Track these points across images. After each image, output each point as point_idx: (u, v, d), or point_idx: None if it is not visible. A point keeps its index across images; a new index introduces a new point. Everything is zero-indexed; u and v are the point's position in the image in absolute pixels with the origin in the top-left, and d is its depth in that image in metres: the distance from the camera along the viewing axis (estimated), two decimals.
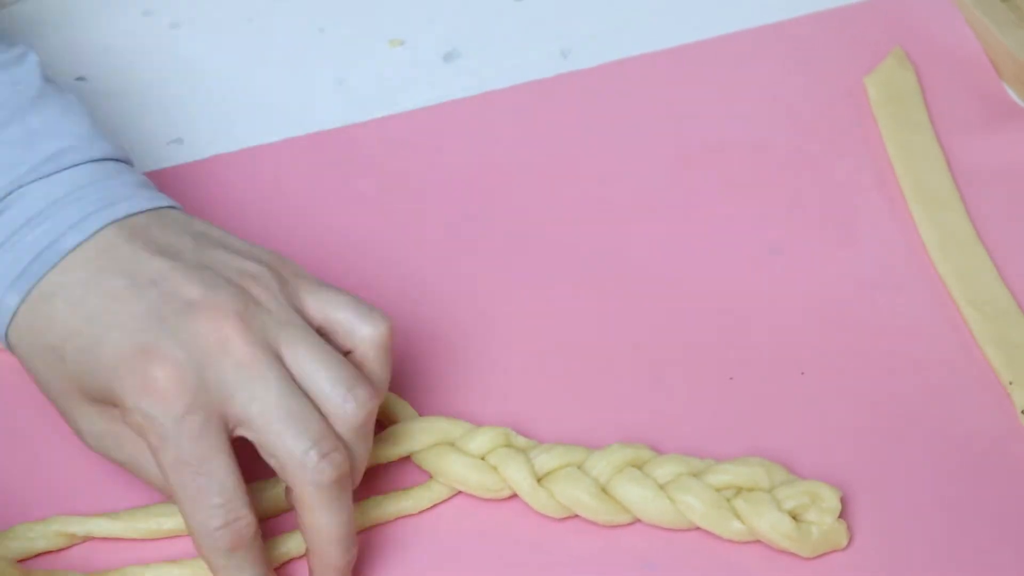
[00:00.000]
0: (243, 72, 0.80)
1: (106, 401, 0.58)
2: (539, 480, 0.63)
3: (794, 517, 0.62)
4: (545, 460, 0.64)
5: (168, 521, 0.62)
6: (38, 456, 0.65)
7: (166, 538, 0.63)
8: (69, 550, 0.62)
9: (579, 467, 0.64)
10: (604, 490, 0.63)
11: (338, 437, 0.58)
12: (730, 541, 0.63)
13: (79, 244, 0.59)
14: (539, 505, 0.63)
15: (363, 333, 0.60)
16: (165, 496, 0.59)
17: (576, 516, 0.64)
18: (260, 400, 0.57)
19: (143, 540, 0.63)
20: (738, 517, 0.62)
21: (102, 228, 0.60)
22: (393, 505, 0.63)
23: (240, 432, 0.57)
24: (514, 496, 0.64)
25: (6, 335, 0.60)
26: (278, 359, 0.58)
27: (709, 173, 0.77)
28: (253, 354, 0.57)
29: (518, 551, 0.63)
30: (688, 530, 0.63)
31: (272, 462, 0.58)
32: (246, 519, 0.57)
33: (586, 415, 0.67)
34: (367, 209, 0.75)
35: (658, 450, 0.65)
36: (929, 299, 0.72)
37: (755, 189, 0.76)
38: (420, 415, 0.66)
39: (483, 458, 0.64)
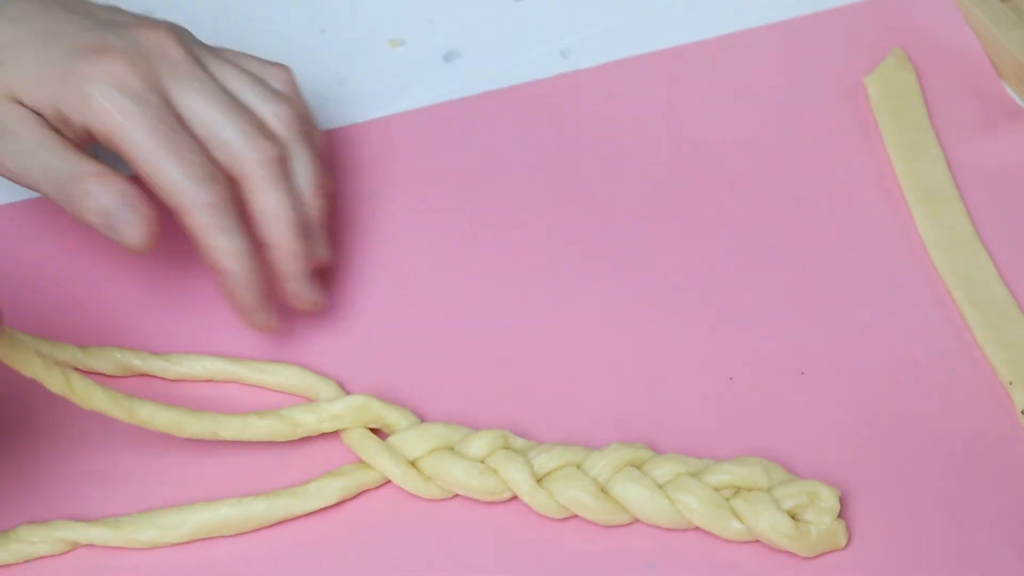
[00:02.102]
0: None
1: (42, 103, 0.63)
2: (538, 481, 0.63)
3: (793, 517, 0.62)
4: (544, 461, 0.64)
5: (170, 532, 0.62)
6: (40, 454, 0.65)
7: (167, 546, 0.63)
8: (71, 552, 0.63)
9: (578, 467, 0.64)
10: (603, 490, 0.63)
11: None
12: (729, 541, 0.63)
13: None
14: (539, 506, 0.63)
15: (249, 156, 0.65)
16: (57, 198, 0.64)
17: (575, 517, 0.64)
18: (199, 92, 0.65)
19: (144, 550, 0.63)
20: (737, 517, 0.62)
21: None
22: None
23: None
24: (513, 498, 0.64)
25: None
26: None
27: (709, 173, 0.77)
28: (188, 58, 0.65)
29: (518, 553, 0.63)
30: (687, 530, 0.63)
31: (218, 155, 0.64)
32: (223, 180, 0.63)
33: (585, 415, 0.67)
34: (366, 209, 0.75)
35: (657, 450, 0.65)
36: (929, 299, 0.72)
37: (755, 189, 0.76)
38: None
39: (482, 461, 0.64)
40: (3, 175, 0.65)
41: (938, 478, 0.65)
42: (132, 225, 0.63)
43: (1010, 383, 0.68)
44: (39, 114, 0.64)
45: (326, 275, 0.71)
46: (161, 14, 0.84)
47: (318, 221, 0.68)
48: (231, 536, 0.63)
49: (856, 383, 0.69)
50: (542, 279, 0.72)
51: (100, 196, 0.63)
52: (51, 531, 0.62)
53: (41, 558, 0.62)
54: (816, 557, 0.63)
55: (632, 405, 0.68)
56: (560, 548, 0.63)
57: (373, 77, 0.81)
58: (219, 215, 0.63)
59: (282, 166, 0.65)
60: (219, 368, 0.67)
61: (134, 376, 0.68)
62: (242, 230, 0.64)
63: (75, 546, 0.62)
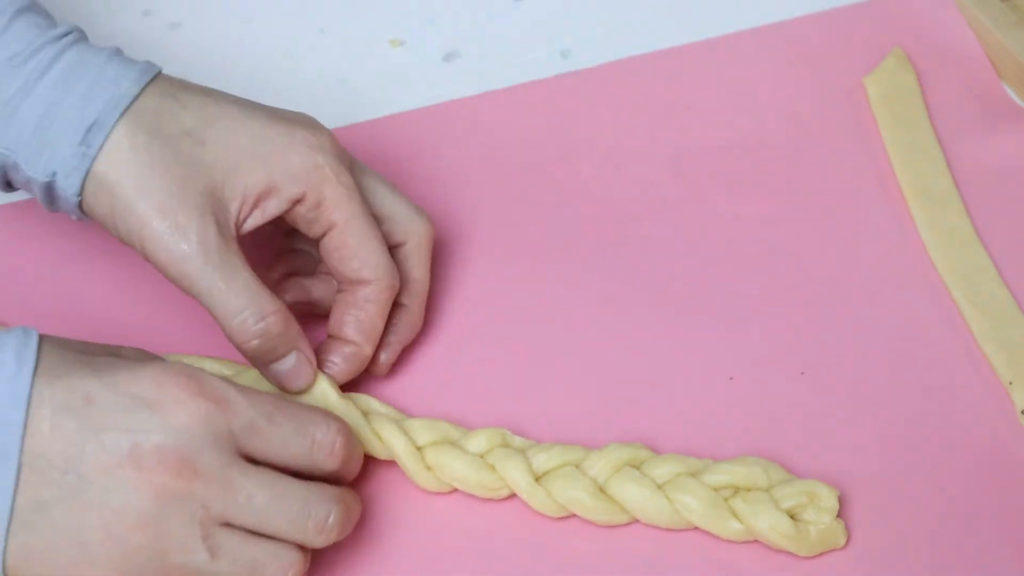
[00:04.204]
0: (243, 72, 0.80)
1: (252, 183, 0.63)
2: (537, 479, 0.63)
3: (792, 516, 0.62)
4: (543, 459, 0.64)
5: None
6: None
7: None
8: None
9: (577, 466, 0.64)
10: (602, 490, 0.63)
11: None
12: (728, 541, 0.63)
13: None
14: (537, 504, 0.63)
15: (417, 227, 0.67)
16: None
17: (574, 516, 0.64)
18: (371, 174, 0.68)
19: None
20: (736, 517, 0.62)
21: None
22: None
23: None
24: (511, 497, 0.64)
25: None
26: None
27: (709, 173, 0.77)
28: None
29: (516, 552, 0.63)
30: (686, 530, 0.63)
31: (357, 265, 0.66)
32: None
33: (584, 415, 0.67)
34: None
35: (657, 450, 0.65)
36: (929, 299, 0.72)
37: (755, 189, 0.76)
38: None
39: (482, 457, 0.64)
40: (160, 270, 0.63)
41: (937, 478, 0.65)
42: (300, 373, 0.64)
43: (1010, 383, 0.68)
44: (225, 203, 0.63)
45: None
46: (163, 16, 0.84)
47: None
48: None
49: (856, 383, 0.69)
50: (541, 279, 0.72)
51: (284, 338, 0.63)
52: None
53: None
54: (815, 557, 0.63)
55: (632, 405, 0.68)
56: (559, 548, 0.63)
57: (373, 77, 0.81)
58: (391, 300, 0.66)
59: (431, 246, 0.69)
60: (217, 370, 0.67)
61: None
62: None
63: None
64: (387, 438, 0.64)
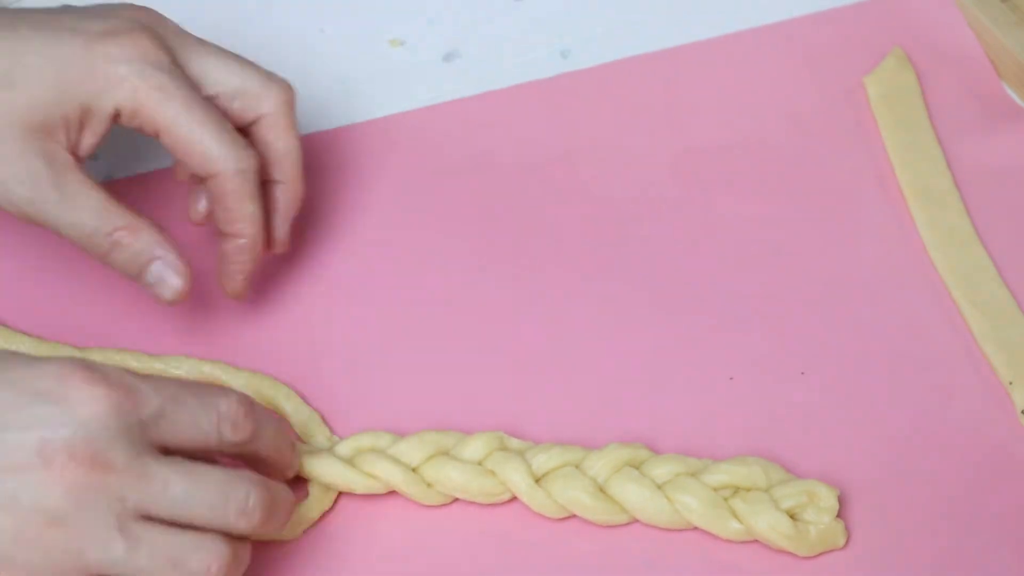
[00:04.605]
0: None
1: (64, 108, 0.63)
2: (537, 481, 0.63)
3: (792, 516, 0.62)
4: (543, 461, 0.63)
5: None
6: None
7: None
8: None
9: (577, 467, 0.63)
10: (602, 490, 0.63)
11: None
12: (728, 541, 0.63)
13: None
14: (537, 505, 0.63)
15: (271, 97, 0.67)
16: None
17: (574, 517, 0.64)
18: (209, 55, 0.67)
19: None
20: (736, 517, 0.62)
21: None
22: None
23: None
24: (512, 500, 0.64)
25: None
26: None
27: (709, 173, 0.77)
28: (180, 28, 0.67)
29: (518, 555, 0.63)
30: (686, 530, 0.63)
31: (236, 104, 0.66)
32: (251, 146, 0.66)
33: (584, 415, 0.67)
34: (364, 208, 0.75)
35: (657, 450, 0.65)
36: (929, 299, 0.72)
37: (755, 189, 0.76)
38: (410, 429, 0.65)
39: (480, 463, 0.64)
40: (16, 216, 0.64)
41: (937, 478, 0.65)
42: (166, 282, 0.64)
43: (1010, 383, 0.68)
44: (51, 136, 0.63)
45: (321, 277, 0.71)
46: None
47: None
48: None
49: (856, 383, 0.69)
50: (541, 279, 0.72)
51: (134, 249, 0.64)
52: None
53: None
54: (815, 557, 0.63)
55: (631, 405, 0.68)
56: (559, 549, 0.63)
57: (373, 77, 0.81)
58: (251, 181, 0.65)
59: (293, 111, 0.68)
60: (217, 373, 0.67)
61: None
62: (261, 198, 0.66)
63: None
64: (381, 473, 0.63)
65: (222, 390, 0.59)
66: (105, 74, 0.63)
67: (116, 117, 0.64)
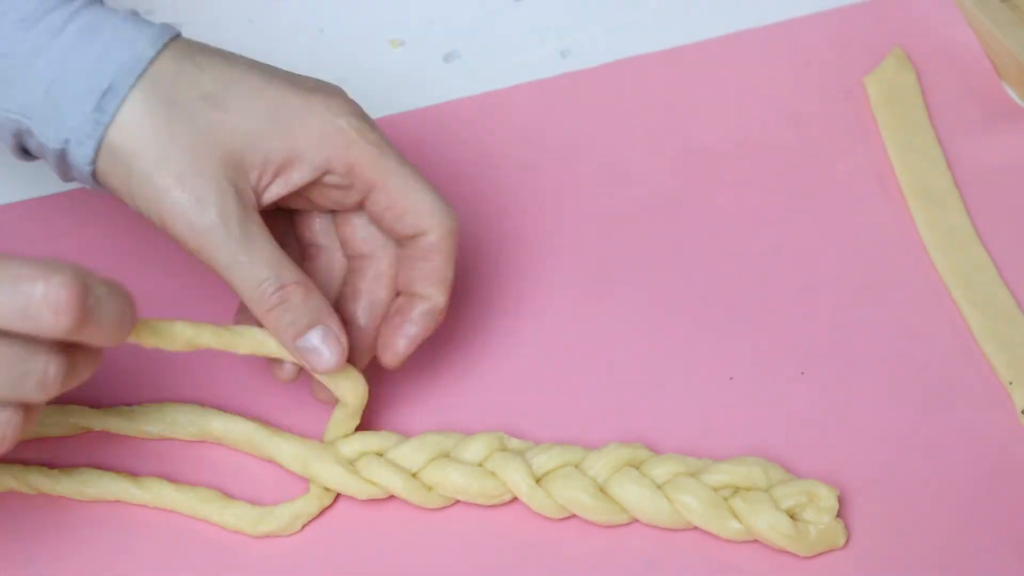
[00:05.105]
0: None
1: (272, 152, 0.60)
2: (537, 481, 0.63)
3: (792, 516, 0.62)
4: (543, 461, 0.64)
5: (181, 427, 0.65)
6: None
7: (178, 439, 0.65)
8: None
9: (577, 467, 0.64)
10: (602, 490, 0.63)
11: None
12: (728, 541, 0.63)
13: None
14: (538, 505, 0.63)
15: (442, 221, 0.62)
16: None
17: (574, 517, 0.64)
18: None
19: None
20: (736, 517, 0.62)
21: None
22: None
23: None
24: (513, 501, 0.64)
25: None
26: None
27: (709, 173, 0.77)
28: None
29: (519, 555, 0.63)
30: (686, 530, 0.63)
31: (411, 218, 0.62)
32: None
33: (584, 415, 0.67)
34: None
35: (657, 450, 0.65)
36: (929, 299, 0.72)
37: (755, 189, 0.76)
38: (412, 430, 0.66)
39: (480, 465, 0.64)
40: (179, 243, 0.60)
41: (937, 478, 0.65)
42: (322, 354, 0.61)
43: (1010, 383, 0.68)
44: (244, 172, 0.60)
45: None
46: (162, 14, 0.84)
47: None
48: None
49: (856, 383, 0.69)
50: (540, 280, 0.72)
51: (304, 310, 0.60)
52: (66, 416, 0.64)
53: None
54: (815, 556, 0.63)
55: (632, 405, 0.68)
56: (560, 549, 0.63)
57: (373, 77, 0.81)
58: (456, 245, 0.63)
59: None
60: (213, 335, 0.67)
61: None
62: None
63: (87, 431, 0.64)
64: (381, 480, 0.63)
65: (44, 270, 0.51)
66: (322, 125, 0.61)
67: (323, 172, 0.62)
